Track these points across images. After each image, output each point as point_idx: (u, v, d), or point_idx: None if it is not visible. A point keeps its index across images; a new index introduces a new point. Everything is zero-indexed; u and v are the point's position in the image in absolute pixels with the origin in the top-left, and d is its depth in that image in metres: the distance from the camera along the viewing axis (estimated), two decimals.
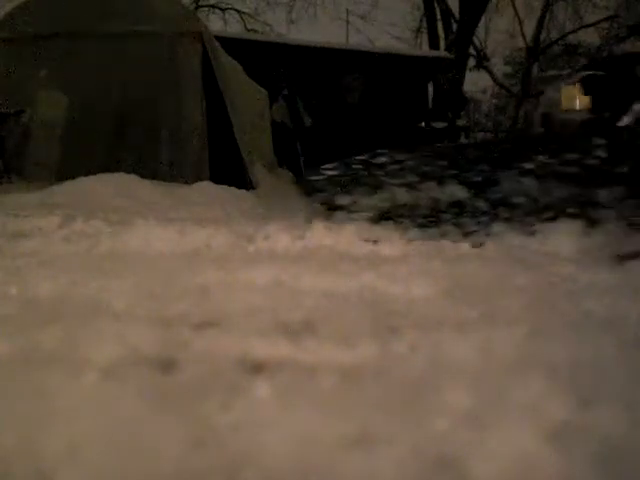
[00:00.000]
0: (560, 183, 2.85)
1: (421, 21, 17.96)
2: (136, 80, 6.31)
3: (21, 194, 4.68)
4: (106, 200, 4.48)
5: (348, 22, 19.00)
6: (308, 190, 3.51)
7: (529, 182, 2.91)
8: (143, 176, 5.29)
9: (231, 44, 7.62)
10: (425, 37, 17.48)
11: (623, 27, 16.54)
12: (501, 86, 17.59)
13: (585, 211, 2.61)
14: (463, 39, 15.60)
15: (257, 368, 1.01)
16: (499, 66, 19.25)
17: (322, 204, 3.33)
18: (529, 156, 3.02)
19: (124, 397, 0.88)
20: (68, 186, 4.90)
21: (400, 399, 0.89)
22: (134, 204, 4.45)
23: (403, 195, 3.12)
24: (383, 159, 3.36)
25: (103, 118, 6.32)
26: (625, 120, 3.00)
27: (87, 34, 6.40)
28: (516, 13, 17.77)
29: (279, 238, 2.61)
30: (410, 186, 3.14)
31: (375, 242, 2.53)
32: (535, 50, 17.39)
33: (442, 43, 16.33)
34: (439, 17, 16.58)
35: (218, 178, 5.72)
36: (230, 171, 6.11)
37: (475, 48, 16.78)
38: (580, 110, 4.26)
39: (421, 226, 2.77)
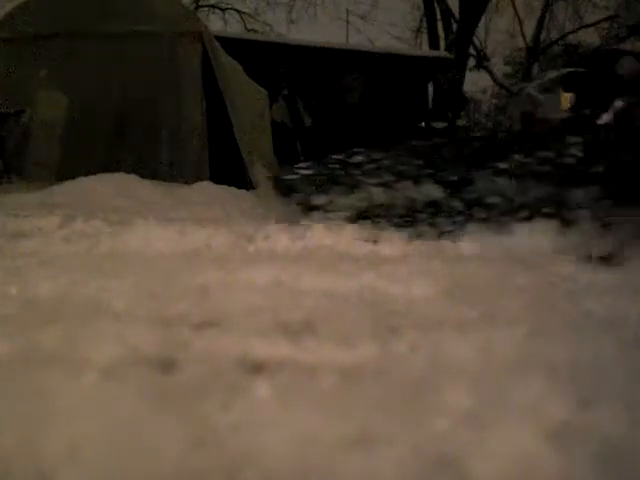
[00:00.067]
0: (536, 182, 2.86)
1: (421, 21, 17.96)
2: (136, 80, 6.30)
3: (21, 194, 4.68)
4: (106, 200, 4.48)
5: (348, 22, 18.99)
6: (284, 190, 3.49)
7: (504, 182, 2.92)
8: (143, 176, 5.28)
9: (231, 44, 7.61)
10: (425, 37, 17.48)
11: (623, 27, 16.53)
12: (501, 86, 17.58)
13: (560, 211, 2.62)
14: (463, 39, 15.60)
15: (257, 368, 1.01)
16: (499, 66, 19.23)
17: (298, 204, 3.32)
18: (505, 155, 3.02)
19: (124, 397, 0.88)
20: (68, 186, 4.90)
21: (400, 399, 0.89)
22: (134, 204, 4.45)
23: (380, 195, 3.12)
24: (359, 158, 3.35)
25: (103, 118, 6.31)
26: (604, 118, 2.99)
27: (87, 34, 6.40)
28: (516, 13, 17.78)
29: (279, 238, 2.61)
30: (386, 185, 3.14)
31: (375, 242, 2.53)
32: (535, 50, 17.39)
33: (442, 43, 16.32)
34: (439, 17, 16.57)
35: (218, 178, 5.72)
36: (230, 171, 6.11)
37: (475, 48, 16.77)
38: (559, 107, 4.25)
39: (398, 226, 2.77)
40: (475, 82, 17.59)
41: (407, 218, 2.93)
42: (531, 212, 2.65)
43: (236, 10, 18.90)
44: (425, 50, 15.78)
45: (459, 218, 2.83)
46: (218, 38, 6.98)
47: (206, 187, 5.32)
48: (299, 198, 3.35)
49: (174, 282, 1.79)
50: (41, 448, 0.73)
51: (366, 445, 0.74)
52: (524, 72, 17.18)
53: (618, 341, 1.20)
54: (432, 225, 2.77)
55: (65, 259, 2.29)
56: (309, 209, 3.23)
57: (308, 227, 2.71)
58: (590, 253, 2.11)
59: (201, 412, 0.83)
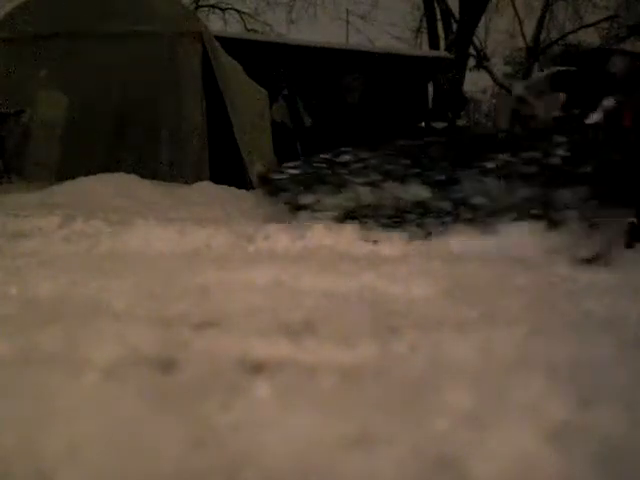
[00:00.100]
0: (522, 183, 2.86)
1: (421, 21, 17.95)
2: (136, 80, 6.30)
3: (21, 194, 4.68)
4: (106, 200, 4.48)
5: (348, 22, 18.98)
6: (271, 189, 3.48)
7: (491, 182, 2.91)
8: (143, 176, 5.28)
9: (231, 44, 7.61)
10: (425, 37, 17.47)
11: (623, 27, 16.54)
12: (501, 86, 17.56)
13: (547, 212, 2.62)
14: (463, 39, 15.59)
15: (257, 368, 1.01)
16: (499, 66, 19.22)
17: (286, 204, 3.31)
18: (492, 155, 3.01)
19: (124, 397, 0.88)
20: (68, 186, 4.90)
21: (400, 399, 0.89)
22: (134, 204, 4.45)
23: (367, 194, 3.12)
24: (347, 157, 3.33)
25: (103, 118, 6.32)
26: (593, 117, 2.98)
27: (87, 34, 6.40)
28: (516, 13, 17.78)
29: (279, 238, 2.61)
30: (374, 185, 3.13)
31: (375, 242, 2.53)
32: (535, 50, 17.38)
33: (442, 43, 16.32)
34: (439, 17, 16.57)
35: (218, 178, 5.72)
36: (230, 171, 6.11)
37: (475, 48, 16.77)
38: (550, 107, 4.22)
39: (386, 226, 2.77)
40: (475, 82, 17.60)
41: (396, 219, 2.94)
42: (518, 212, 2.66)
43: (236, 10, 18.90)
44: (425, 50, 15.78)
45: (447, 219, 2.84)
46: (218, 38, 6.98)
47: (206, 187, 5.32)
48: (286, 197, 3.33)
49: (174, 282, 1.79)
50: (41, 448, 0.73)
51: (366, 445, 0.74)
52: (524, 72, 17.17)
53: (618, 341, 1.20)
54: (420, 226, 2.77)
55: (65, 259, 2.29)
56: (296, 208, 3.23)
57: (308, 227, 2.71)
58: (576, 254, 2.11)
59: (201, 412, 0.83)
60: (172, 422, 0.80)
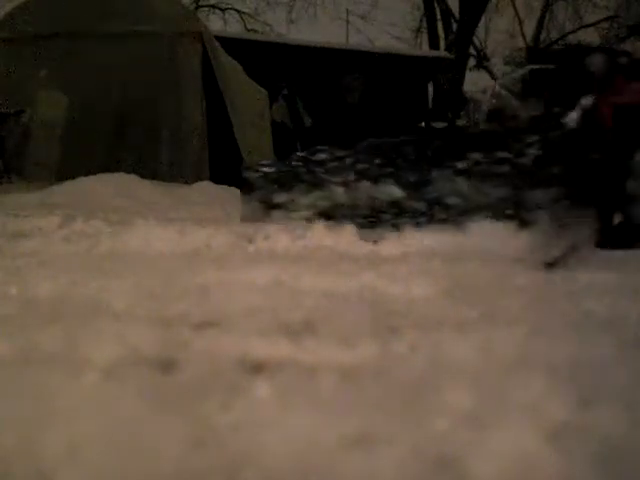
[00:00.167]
0: (495, 183, 2.86)
1: (421, 21, 17.95)
2: (136, 80, 6.31)
3: (21, 194, 4.68)
4: (106, 200, 4.48)
5: (348, 22, 18.98)
6: (246, 188, 3.46)
7: (463, 182, 2.92)
8: (143, 176, 5.29)
9: (231, 44, 7.61)
10: (425, 37, 17.48)
11: (623, 27, 16.55)
12: (501, 86, 17.55)
13: (518, 212, 2.63)
14: (463, 39, 15.60)
15: (257, 368, 1.01)
16: (499, 66, 19.22)
17: (260, 202, 3.30)
18: (465, 154, 3.01)
19: (124, 397, 0.88)
20: (68, 186, 4.91)
21: (400, 399, 0.89)
22: (134, 204, 4.46)
23: (342, 194, 3.12)
24: (322, 156, 3.33)
25: (103, 118, 6.32)
26: (571, 116, 2.98)
27: (87, 34, 6.41)
28: (516, 13, 17.79)
29: (279, 238, 2.61)
30: (349, 184, 3.13)
31: (375, 242, 2.54)
32: (535, 50, 17.38)
33: (442, 43, 16.33)
34: (439, 17, 16.58)
35: (218, 178, 5.73)
36: (230, 171, 6.12)
37: (475, 48, 16.78)
38: (528, 105, 4.20)
39: (362, 226, 2.77)
40: (475, 82, 17.58)
41: (371, 219, 2.94)
42: (489, 212, 2.67)
43: (236, 10, 18.92)
44: (425, 50, 15.79)
45: (422, 219, 2.85)
46: (218, 38, 6.99)
47: (206, 187, 5.33)
48: (261, 196, 3.32)
49: (174, 282, 1.79)
50: (41, 448, 0.73)
51: (366, 445, 0.74)
52: None
53: (618, 341, 1.20)
54: (395, 226, 2.77)
55: (65, 259, 2.29)
56: (271, 207, 3.23)
57: (308, 227, 2.71)
58: (542, 257, 2.12)
59: (201, 412, 0.83)
60: (172, 422, 0.80)
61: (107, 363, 1.01)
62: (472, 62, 16.60)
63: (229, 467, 0.70)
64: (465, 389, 0.89)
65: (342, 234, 2.62)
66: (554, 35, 18.01)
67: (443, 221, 2.73)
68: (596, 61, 3.34)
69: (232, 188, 5.32)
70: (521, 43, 17.99)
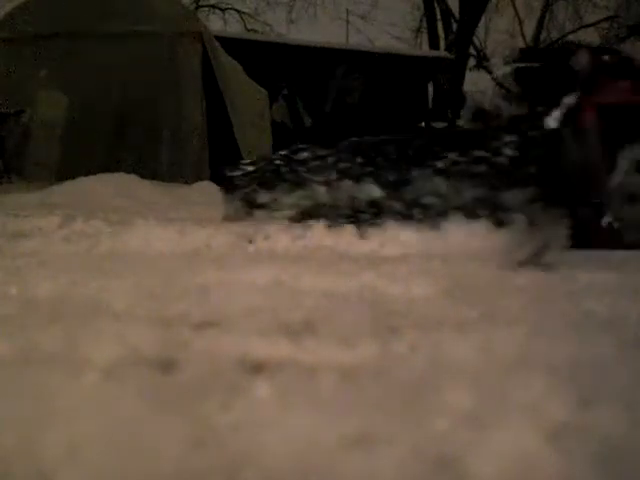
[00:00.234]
0: (472, 183, 2.88)
1: (421, 21, 17.96)
2: (136, 80, 6.31)
3: (21, 194, 4.68)
4: (106, 200, 4.48)
5: (348, 22, 18.99)
6: (227, 187, 3.46)
7: (442, 182, 2.94)
8: (143, 176, 5.29)
9: (231, 44, 7.61)
10: (425, 37, 17.49)
11: (623, 27, 16.55)
12: (501, 86, 17.56)
13: (494, 212, 2.64)
14: (463, 39, 15.60)
15: (257, 368, 1.01)
16: (499, 66, 19.23)
17: (242, 201, 3.31)
18: (444, 154, 3.03)
19: (124, 397, 0.88)
20: (68, 186, 4.91)
21: (400, 399, 0.89)
22: (134, 204, 4.46)
23: (323, 193, 3.14)
24: (305, 154, 3.33)
25: (103, 118, 6.32)
26: (553, 116, 2.97)
27: (87, 34, 6.41)
28: (516, 13, 17.80)
29: (279, 238, 2.61)
30: (330, 184, 3.15)
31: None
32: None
33: (442, 43, 16.33)
34: (439, 17, 16.58)
35: (218, 178, 5.73)
36: None
37: (475, 48, 16.78)
38: (512, 104, 4.18)
39: (342, 225, 2.79)
40: (475, 82, 17.58)
41: (351, 218, 2.96)
42: (466, 212, 2.69)
43: (236, 10, 18.92)
44: (425, 50, 15.79)
45: (400, 218, 2.86)
46: (218, 38, 6.99)
47: (206, 187, 5.33)
48: (242, 195, 3.32)
49: (174, 282, 1.79)
50: (41, 448, 0.73)
51: (366, 445, 0.74)
52: None
53: (618, 341, 1.20)
54: (374, 225, 2.79)
55: (65, 259, 2.29)
56: (253, 207, 3.24)
57: (308, 227, 2.71)
58: (515, 256, 2.13)
59: (201, 412, 0.83)
60: (172, 422, 0.80)
61: (107, 363, 1.01)
62: (472, 62, 16.61)
63: (229, 467, 0.70)
64: (465, 389, 0.89)
65: (342, 234, 2.62)
66: (554, 35, 18.01)
67: (420, 220, 2.76)
68: (581, 60, 3.33)
69: None
70: (521, 43, 18.01)
